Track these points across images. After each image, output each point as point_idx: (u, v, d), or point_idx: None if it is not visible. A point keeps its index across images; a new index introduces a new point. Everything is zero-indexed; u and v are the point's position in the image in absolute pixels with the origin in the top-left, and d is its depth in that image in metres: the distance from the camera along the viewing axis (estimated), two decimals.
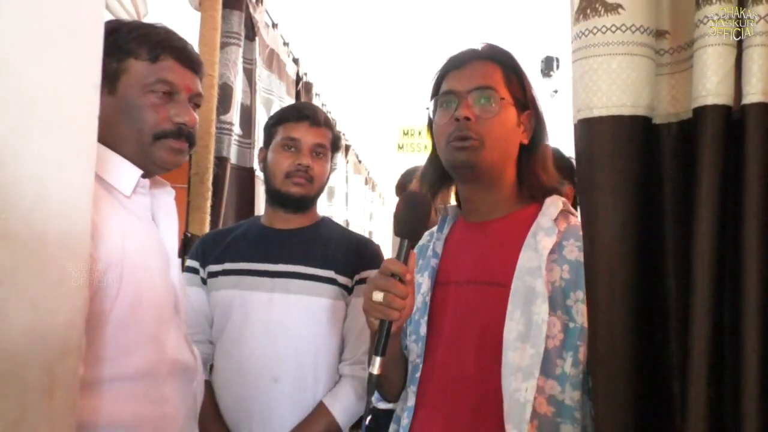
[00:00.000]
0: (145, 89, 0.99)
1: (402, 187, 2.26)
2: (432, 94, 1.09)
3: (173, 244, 1.10)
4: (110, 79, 0.97)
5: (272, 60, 2.49)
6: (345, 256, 1.47)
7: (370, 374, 0.92)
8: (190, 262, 1.53)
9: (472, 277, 1.03)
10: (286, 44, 2.75)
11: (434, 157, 1.11)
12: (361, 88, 4.45)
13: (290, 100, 2.81)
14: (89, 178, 0.65)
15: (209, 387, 1.44)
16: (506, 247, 1.01)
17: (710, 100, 0.68)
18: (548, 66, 3.39)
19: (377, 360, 0.92)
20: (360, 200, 6.09)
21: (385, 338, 0.92)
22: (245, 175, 2.09)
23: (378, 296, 0.91)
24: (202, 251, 1.52)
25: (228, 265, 1.47)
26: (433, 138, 1.10)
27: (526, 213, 1.04)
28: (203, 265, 1.50)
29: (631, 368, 0.71)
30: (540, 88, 3.86)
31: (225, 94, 1.82)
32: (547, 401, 0.92)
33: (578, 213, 1.04)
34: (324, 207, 4.23)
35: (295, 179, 1.43)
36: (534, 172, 1.06)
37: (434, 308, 1.05)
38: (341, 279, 1.46)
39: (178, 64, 1.02)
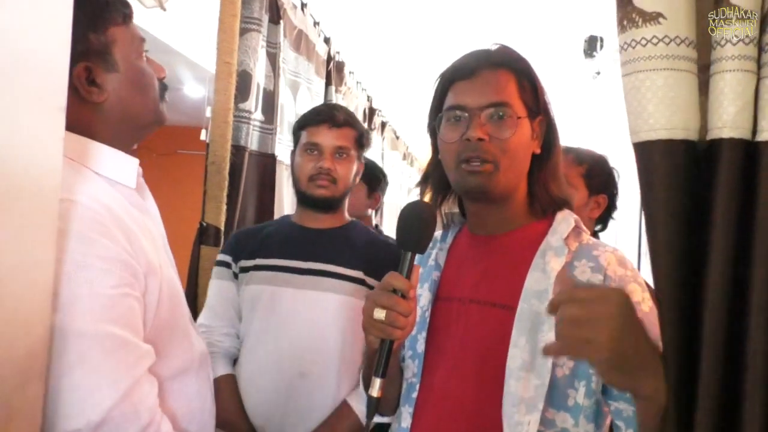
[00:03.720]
0: (137, 53, 0.93)
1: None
2: (434, 104, 1.01)
3: (161, 225, 1.04)
4: (102, 55, 0.89)
5: (300, 41, 2.45)
6: (374, 258, 1.49)
7: (370, 397, 0.87)
8: (222, 257, 1.56)
9: (476, 295, 0.97)
10: (316, 24, 2.70)
11: (437, 162, 1.03)
12: (396, 64, 4.36)
13: (319, 81, 2.77)
14: (52, 205, 0.64)
15: (233, 380, 1.46)
16: (513, 266, 0.94)
17: (726, 133, 0.61)
18: (591, 46, 3.22)
19: (377, 382, 0.87)
20: (397, 176, 6.05)
21: (386, 359, 0.87)
22: (267, 162, 2.07)
23: (380, 314, 0.86)
24: (236, 247, 1.56)
25: (260, 261, 1.50)
26: (433, 141, 1.03)
27: (536, 228, 0.98)
28: (235, 260, 1.53)
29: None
30: (582, 69, 3.70)
31: (244, 81, 1.79)
32: None
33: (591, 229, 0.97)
34: None
35: (318, 182, 1.47)
36: (544, 184, 0.99)
37: (434, 325, 1.00)
38: (369, 280, 1.48)
39: (130, 20, 0.95)
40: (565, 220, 0.96)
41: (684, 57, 0.64)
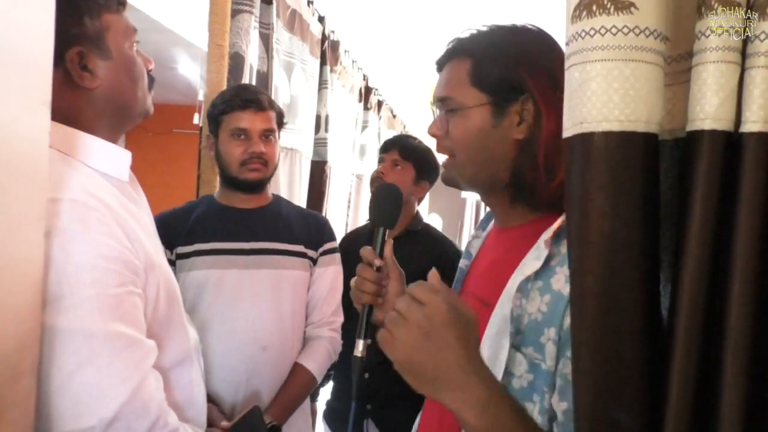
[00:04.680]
0: (129, 42, 0.94)
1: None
2: None
3: (151, 217, 1.06)
4: (98, 42, 0.89)
5: (294, 21, 2.42)
6: (308, 231, 1.62)
7: (354, 356, 0.94)
8: None
9: (476, 290, 0.97)
10: (310, 2, 2.67)
11: None
12: (392, 41, 4.32)
13: (314, 61, 2.74)
14: (40, 200, 0.64)
15: None
16: (507, 263, 0.88)
17: (708, 125, 0.61)
18: None
19: (360, 343, 0.94)
20: None
21: (366, 322, 0.96)
22: None
23: (353, 281, 0.99)
24: (166, 233, 1.51)
25: (200, 246, 1.53)
26: None
27: (543, 224, 0.86)
28: (170, 248, 1.52)
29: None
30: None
31: (236, 64, 1.78)
32: None
33: None
34: (356, 165, 4.20)
35: (250, 166, 1.52)
36: (531, 173, 0.87)
37: None
38: (309, 252, 1.62)
39: (124, 8, 0.95)
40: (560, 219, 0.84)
41: (652, 49, 0.63)
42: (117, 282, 0.79)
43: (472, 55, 0.90)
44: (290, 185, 2.40)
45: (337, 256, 1.69)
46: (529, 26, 0.94)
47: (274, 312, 1.53)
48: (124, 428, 0.76)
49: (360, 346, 0.94)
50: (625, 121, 0.62)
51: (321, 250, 1.64)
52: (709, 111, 0.61)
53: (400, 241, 2.03)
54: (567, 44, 0.67)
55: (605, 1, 0.63)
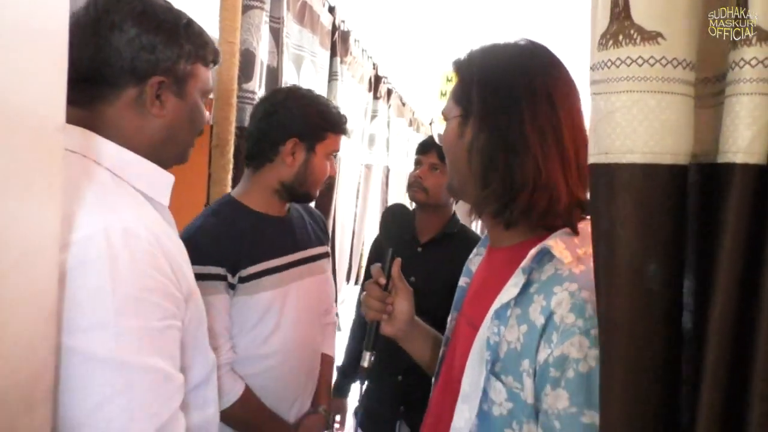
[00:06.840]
0: (203, 94, 1.01)
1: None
2: None
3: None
4: (181, 82, 0.95)
5: (304, 13, 2.39)
6: (321, 229, 1.73)
7: (360, 366, 1.05)
8: (215, 269, 1.34)
9: (468, 311, 0.97)
10: None
11: None
12: (403, 31, 4.26)
13: (324, 53, 2.71)
14: (53, 232, 0.63)
15: (250, 390, 1.41)
16: (494, 285, 0.86)
17: (740, 159, 0.59)
18: None
19: (366, 354, 1.05)
20: (403, 143, 6.01)
21: (374, 335, 1.05)
22: None
23: (362, 296, 1.08)
24: (227, 256, 1.37)
25: (265, 265, 1.43)
26: None
27: (531, 246, 0.81)
28: (233, 271, 1.37)
29: None
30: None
31: (247, 61, 1.75)
32: None
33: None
34: (365, 154, 4.18)
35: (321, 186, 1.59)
36: (492, 194, 0.87)
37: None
38: (328, 248, 1.73)
39: (213, 66, 1.04)
40: (543, 243, 0.80)
41: (680, 80, 0.62)
42: (160, 315, 0.78)
43: (457, 68, 0.93)
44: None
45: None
46: (522, 42, 0.90)
47: (322, 315, 1.63)
48: None
49: (366, 357, 1.05)
50: (649, 153, 0.61)
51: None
52: (741, 144, 0.59)
53: (435, 243, 1.95)
54: (592, 69, 0.66)
55: (632, 32, 0.62)
